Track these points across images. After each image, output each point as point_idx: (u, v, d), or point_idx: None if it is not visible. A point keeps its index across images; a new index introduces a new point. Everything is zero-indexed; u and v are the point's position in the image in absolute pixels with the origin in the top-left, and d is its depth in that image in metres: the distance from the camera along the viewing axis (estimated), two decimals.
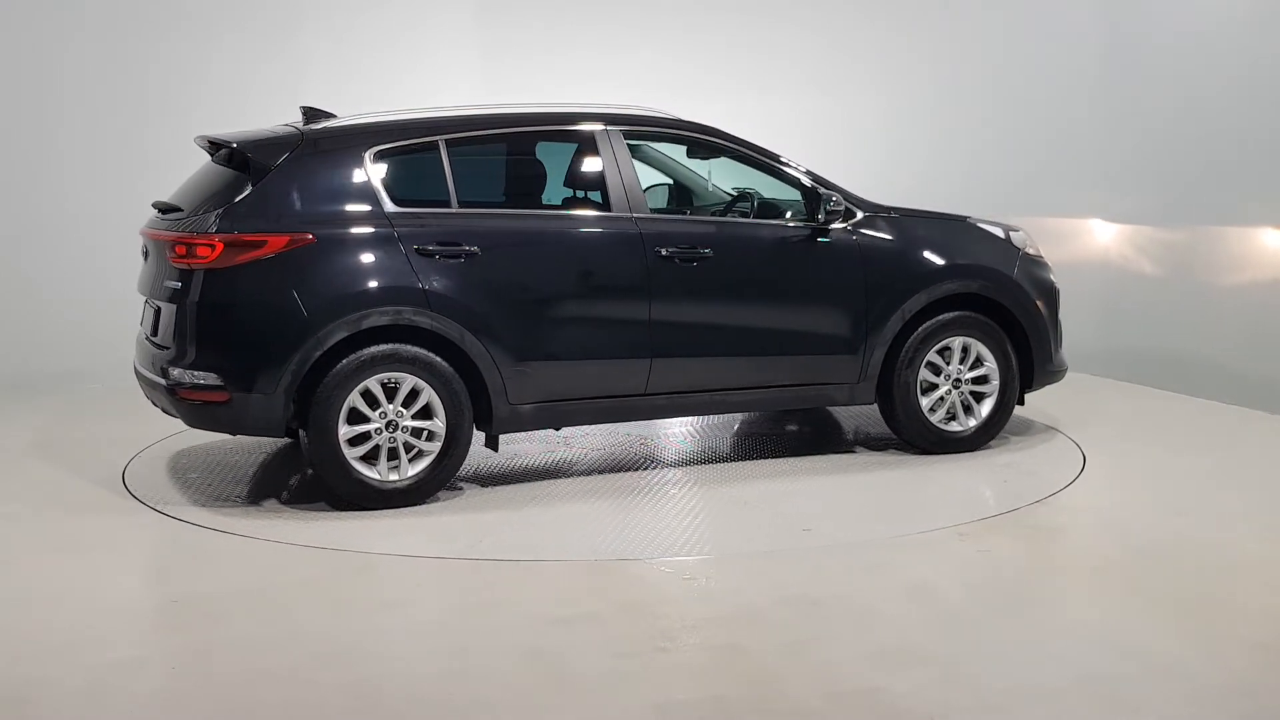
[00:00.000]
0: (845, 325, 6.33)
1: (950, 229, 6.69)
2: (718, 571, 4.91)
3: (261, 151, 5.77)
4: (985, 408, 6.53)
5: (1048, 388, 6.82)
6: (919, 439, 6.50)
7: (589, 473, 6.38)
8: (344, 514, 5.68)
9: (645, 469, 6.43)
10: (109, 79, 9.10)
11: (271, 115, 6.70)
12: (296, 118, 6.26)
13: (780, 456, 6.67)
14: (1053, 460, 6.48)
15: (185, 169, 6.32)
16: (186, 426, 6.06)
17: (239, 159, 5.84)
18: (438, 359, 5.73)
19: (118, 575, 5.12)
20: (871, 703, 3.72)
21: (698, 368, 6.18)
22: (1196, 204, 8.72)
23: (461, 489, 6.07)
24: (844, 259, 6.34)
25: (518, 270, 5.92)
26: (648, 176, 6.87)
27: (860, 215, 6.41)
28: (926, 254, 6.48)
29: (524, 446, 6.86)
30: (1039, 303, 6.60)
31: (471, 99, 8.22)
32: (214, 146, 6.12)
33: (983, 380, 6.53)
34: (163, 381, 5.72)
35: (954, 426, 6.51)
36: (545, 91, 8.58)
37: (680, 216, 6.66)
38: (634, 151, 6.45)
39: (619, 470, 6.40)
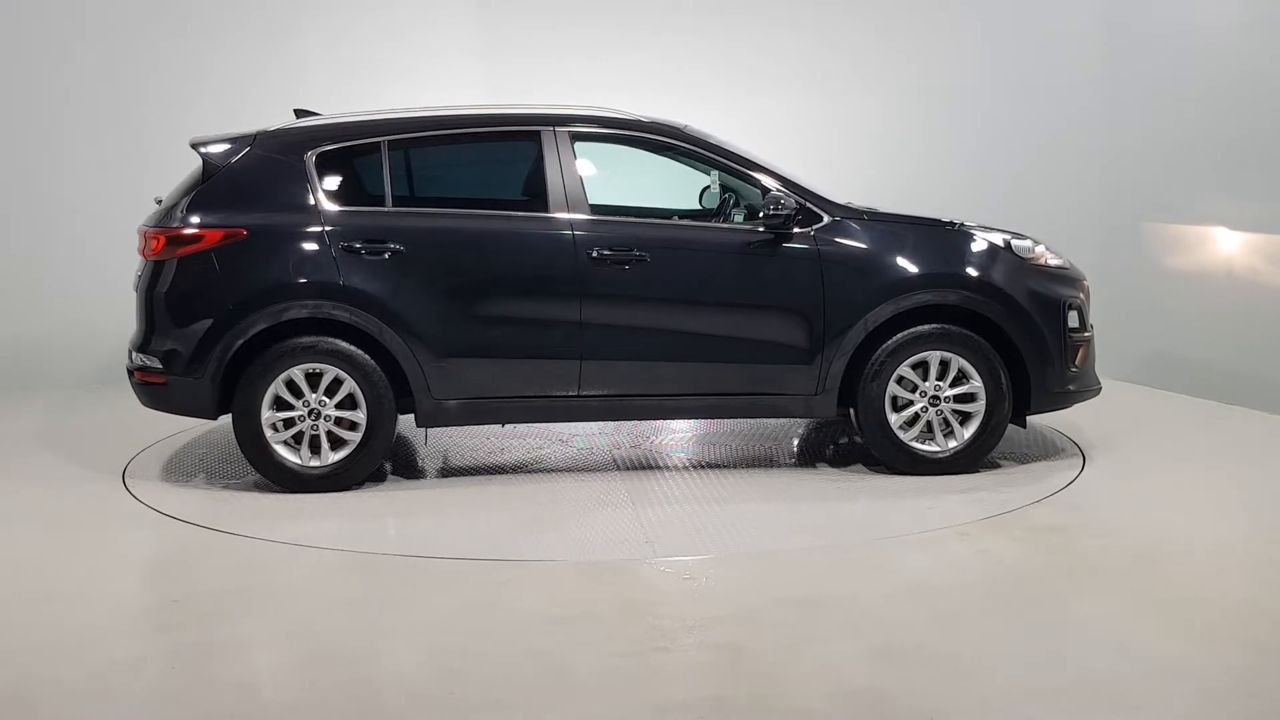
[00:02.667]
0: (799, 334, 6.05)
1: (932, 235, 6.21)
2: (717, 571, 4.91)
3: (217, 152, 6.09)
4: (970, 429, 6.14)
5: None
6: (889, 458, 6.14)
7: (588, 472, 6.38)
8: (346, 514, 5.70)
9: (645, 469, 6.43)
10: (110, 79, 9.11)
11: (271, 115, 6.71)
12: (292, 119, 6.33)
13: (781, 460, 6.66)
14: (1052, 460, 6.48)
15: (185, 168, 6.34)
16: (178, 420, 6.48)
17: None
18: (359, 352, 5.94)
19: (118, 574, 5.11)
20: (871, 703, 3.72)
21: (632, 371, 6.08)
22: (1197, 204, 8.72)
23: (456, 486, 6.07)
24: (798, 264, 6.03)
25: (442, 268, 6.01)
26: (699, 179, 6.77)
27: (826, 219, 6.08)
28: (899, 262, 6.07)
29: (523, 444, 6.87)
30: (1039, 317, 6.09)
31: (471, 99, 8.24)
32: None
33: (969, 399, 6.13)
34: (127, 363, 6.16)
35: (930, 446, 6.14)
36: (544, 92, 8.58)
37: (619, 219, 6.26)
38: (672, 156, 6.35)
39: (619, 470, 6.41)
